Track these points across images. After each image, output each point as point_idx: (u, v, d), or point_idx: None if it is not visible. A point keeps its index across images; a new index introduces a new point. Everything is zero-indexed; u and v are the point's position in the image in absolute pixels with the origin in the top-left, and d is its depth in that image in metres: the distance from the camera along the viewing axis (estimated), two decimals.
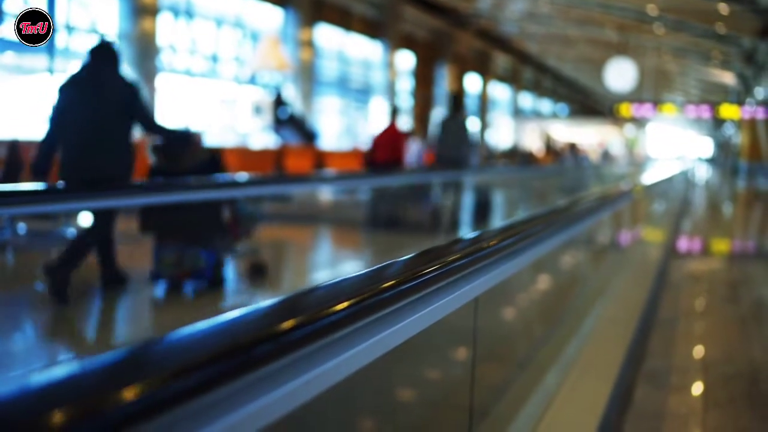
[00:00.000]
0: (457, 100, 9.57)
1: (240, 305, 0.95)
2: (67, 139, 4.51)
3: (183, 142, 5.24)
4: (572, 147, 32.73)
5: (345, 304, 1.03)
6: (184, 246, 4.77)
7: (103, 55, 4.65)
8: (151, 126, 4.76)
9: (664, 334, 4.35)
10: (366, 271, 1.24)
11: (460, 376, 3.24)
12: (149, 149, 5.32)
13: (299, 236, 8.51)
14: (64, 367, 0.65)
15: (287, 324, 0.89)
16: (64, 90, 4.53)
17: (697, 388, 3.43)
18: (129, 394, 0.62)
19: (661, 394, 3.26)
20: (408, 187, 9.12)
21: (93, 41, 4.79)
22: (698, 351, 4.12)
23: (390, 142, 8.79)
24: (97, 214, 4.61)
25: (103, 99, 4.55)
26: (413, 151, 10.92)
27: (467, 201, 10.28)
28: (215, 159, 5.43)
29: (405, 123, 26.51)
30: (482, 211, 10.09)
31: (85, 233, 4.78)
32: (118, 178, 4.54)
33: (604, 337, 3.64)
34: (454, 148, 8.85)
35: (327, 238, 9.01)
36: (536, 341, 4.04)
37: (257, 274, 5.29)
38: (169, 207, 4.63)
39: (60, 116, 4.47)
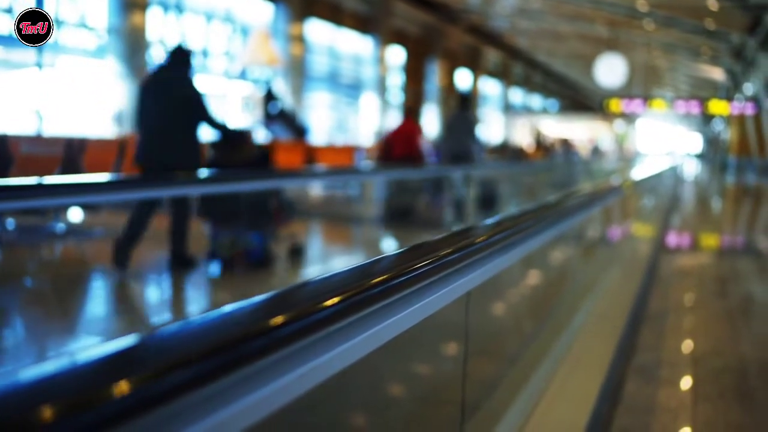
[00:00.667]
0: (465, 99, 10.11)
1: (286, 281, 0.98)
2: (142, 133, 5.25)
3: (238, 139, 6.00)
4: (565, 142, 32.79)
5: (336, 299, 1.02)
6: (237, 230, 5.50)
7: (178, 59, 5.35)
8: (213, 125, 5.41)
9: (653, 328, 4.37)
10: (357, 265, 1.24)
11: (452, 371, 3.24)
12: (209, 145, 6.13)
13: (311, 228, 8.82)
14: (50, 364, 0.64)
15: (277, 319, 0.88)
16: (142, 88, 5.34)
17: (687, 383, 3.44)
18: (116, 390, 0.62)
19: (651, 388, 3.27)
20: (410, 181, 9.61)
21: (172, 45, 5.62)
22: (688, 345, 4.14)
23: (406, 138, 9.30)
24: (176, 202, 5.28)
25: (173, 99, 5.22)
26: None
27: (471, 194, 10.67)
28: (264, 154, 6.29)
29: (396, 120, 26.40)
30: (486, 204, 10.57)
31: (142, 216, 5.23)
32: (186, 169, 5.06)
33: (594, 332, 3.65)
34: (461, 144, 9.34)
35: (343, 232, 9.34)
36: (527, 336, 4.05)
37: (296, 255, 6.00)
38: (225, 196, 5.43)
39: (138, 113, 5.28)
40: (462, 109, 9.96)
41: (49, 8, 12.21)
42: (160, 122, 5.17)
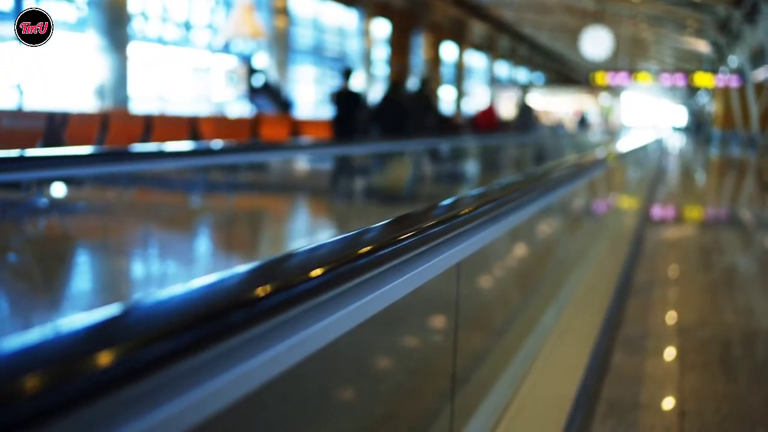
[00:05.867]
0: (525, 89, 16.91)
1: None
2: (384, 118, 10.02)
3: (449, 118, 13.07)
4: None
5: (322, 270, 1.00)
6: (447, 164, 11.52)
7: (423, 86, 10.79)
8: (437, 115, 11.10)
9: (640, 300, 4.39)
10: (343, 236, 1.22)
11: (442, 343, 3.24)
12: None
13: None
14: (30, 334, 0.61)
15: (261, 290, 0.86)
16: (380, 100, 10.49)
17: (673, 353, 3.46)
18: (94, 362, 0.60)
19: (638, 359, 3.29)
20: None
21: (420, 78, 12.51)
22: (673, 316, 4.16)
23: (488, 117, 15.35)
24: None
25: (420, 105, 10.35)
26: None
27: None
28: (460, 127, 13.17)
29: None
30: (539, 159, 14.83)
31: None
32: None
33: (581, 304, 3.66)
34: (525, 123, 15.30)
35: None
36: (515, 308, 4.05)
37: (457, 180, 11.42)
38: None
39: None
40: (524, 100, 16.41)
41: None
42: (404, 115, 9.93)
